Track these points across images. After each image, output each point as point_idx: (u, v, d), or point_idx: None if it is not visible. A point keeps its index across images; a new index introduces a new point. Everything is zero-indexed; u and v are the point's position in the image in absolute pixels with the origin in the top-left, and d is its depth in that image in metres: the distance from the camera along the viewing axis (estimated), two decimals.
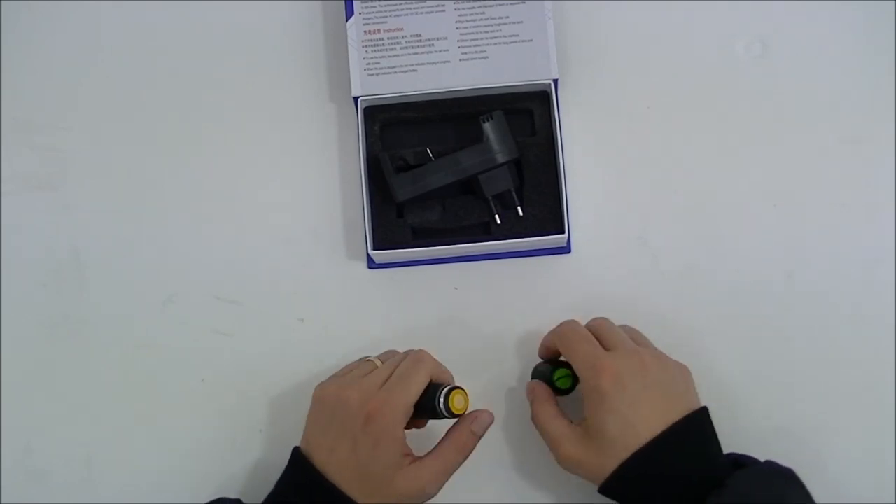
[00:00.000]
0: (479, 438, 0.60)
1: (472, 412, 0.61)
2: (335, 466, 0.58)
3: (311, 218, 0.73)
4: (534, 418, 0.63)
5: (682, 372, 0.61)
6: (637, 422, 0.57)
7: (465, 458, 0.60)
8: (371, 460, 0.57)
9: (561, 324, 0.64)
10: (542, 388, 0.64)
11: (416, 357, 0.61)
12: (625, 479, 0.56)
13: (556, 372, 0.64)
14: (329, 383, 0.62)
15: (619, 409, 0.57)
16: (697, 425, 0.58)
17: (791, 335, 0.70)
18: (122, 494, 0.69)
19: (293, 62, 0.76)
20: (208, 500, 0.64)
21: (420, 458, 0.59)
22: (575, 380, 0.64)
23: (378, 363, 0.62)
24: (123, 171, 0.74)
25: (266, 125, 0.75)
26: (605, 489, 0.57)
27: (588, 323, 0.65)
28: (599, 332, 0.63)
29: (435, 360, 0.62)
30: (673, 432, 0.57)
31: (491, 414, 0.61)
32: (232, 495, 0.67)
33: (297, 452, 0.60)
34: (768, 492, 0.56)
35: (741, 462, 0.59)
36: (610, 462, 0.57)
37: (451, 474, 0.59)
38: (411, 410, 0.59)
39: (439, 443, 0.60)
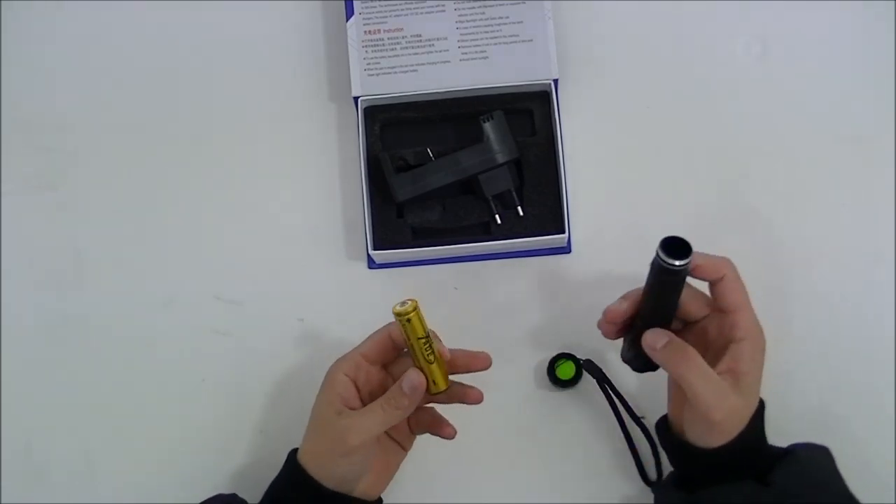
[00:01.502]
0: (408, 398, 0.58)
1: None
2: (308, 427, 0.61)
3: (311, 218, 0.73)
4: (687, 365, 0.56)
5: None
6: (760, 387, 0.59)
7: (397, 414, 0.58)
8: (315, 405, 0.60)
9: (730, 262, 0.59)
10: (678, 339, 0.57)
11: None
12: (747, 435, 0.57)
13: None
14: None
15: (761, 375, 0.58)
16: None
17: (791, 335, 0.70)
18: (122, 494, 0.69)
19: (293, 62, 0.76)
20: (207, 497, 0.64)
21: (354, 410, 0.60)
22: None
23: None
24: (123, 171, 0.74)
25: (266, 125, 0.75)
26: (730, 447, 0.57)
27: (729, 265, 0.60)
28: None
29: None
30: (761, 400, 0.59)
31: (418, 376, 0.58)
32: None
33: (290, 452, 0.61)
34: (827, 462, 0.60)
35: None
36: (748, 416, 0.58)
37: (379, 423, 0.58)
38: (359, 362, 0.60)
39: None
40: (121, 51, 0.76)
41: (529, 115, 0.73)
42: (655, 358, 0.58)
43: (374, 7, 0.73)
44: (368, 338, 0.61)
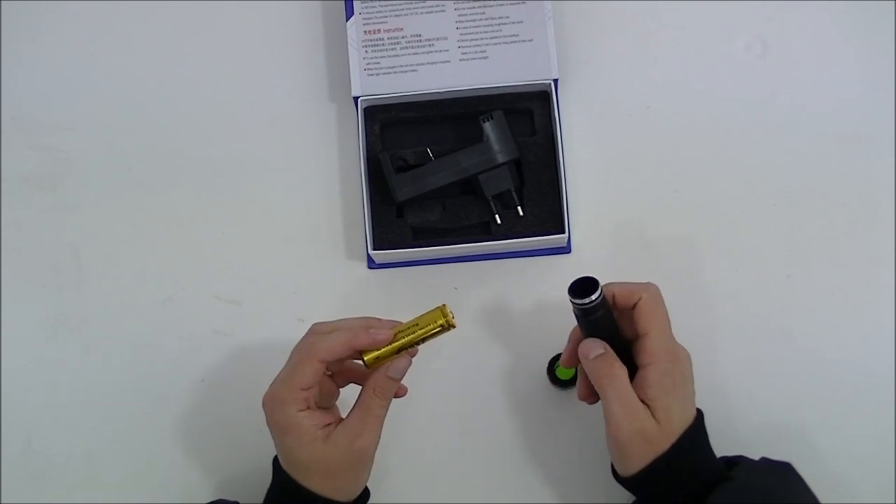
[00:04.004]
0: (398, 382, 0.58)
1: (391, 361, 0.58)
2: (289, 465, 0.58)
3: (311, 218, 0.73)
4: (609, 380, 0.58)
5: (691, 363, 0.61)
6: (686, 411, 0.58)
7: (388, 403, 0.58)
8: (292, 451, 0.57)
9: (651, 286, 0.60)
10: (611, 350, 0.59)
11: (301, 346, 0.59)
12: (663, 466, 0.57)
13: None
14: None
15: (681, 398, 0.58)
16: (703, 421, 0.60)
17: (791, 335, 0.70)
18: (121, 494, 0.69)
19: (293, 62, 0.76)
20: (208, 501, 0.64)
21: (343, 418, 0.58)
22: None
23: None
24: (123, 171, 0.74)
25: (266, 125, 0.75)
26: (644, 473, 0.57)
27: (647, 288, 0.60)
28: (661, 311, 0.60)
29: (333, 335, 0.57)
30: (696, 424, 0.58)
31: (406, 360, 0.58)
32: (231, 495, 0.67)
33: (274, 459, 0.61)
34: (773, 482, 0.58)
35: (734, 461, 0.60)
36: (666, 444, 0.57)
37: (380, 421, 0.58)
38: (304, 395, 0.57)
39: (358, 395, 0.59)
40: (120, 51, 0.76)
41: (529, 115, 0.73)
42: (585, 366, 0.59)
43: (374, 7, 0.73)
44: (297, 369, 0.57)
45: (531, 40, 0.72)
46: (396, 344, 0.58)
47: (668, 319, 0.60)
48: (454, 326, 0.58)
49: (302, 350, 0.58)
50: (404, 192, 0.69)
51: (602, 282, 0.60)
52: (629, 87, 0.74)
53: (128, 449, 0.70)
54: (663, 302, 0.60)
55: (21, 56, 0.76)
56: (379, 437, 0.58)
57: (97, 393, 0.71)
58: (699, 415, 0.59)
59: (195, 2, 0.77)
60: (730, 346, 0.70)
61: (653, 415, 0.57)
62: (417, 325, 0.58)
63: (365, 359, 0.58)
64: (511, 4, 0.73)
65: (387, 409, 0.59)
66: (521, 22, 0.72)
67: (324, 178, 0.74)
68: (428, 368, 0.70)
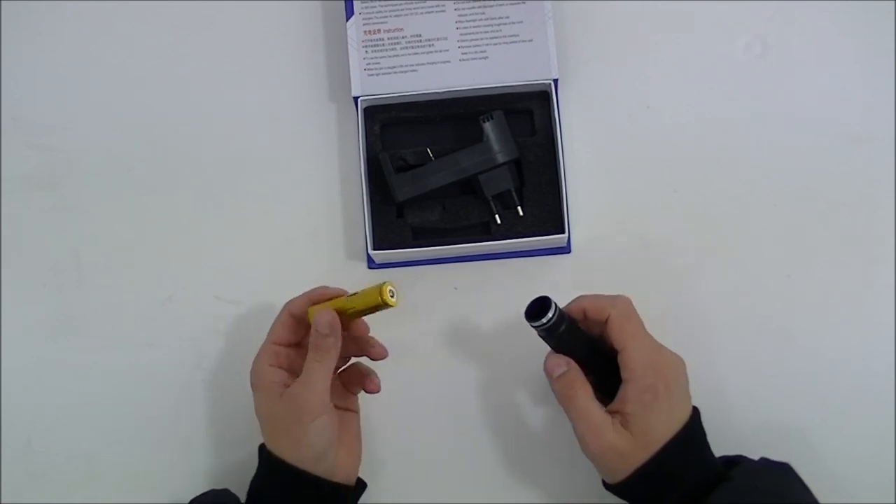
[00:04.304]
0: (331, 336, 0.59)
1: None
2: (262, 429, 0.62)
3: (312, 218, 0.73)
4: (570, 399, 0.59)
5: (683, 366, 0.61)
6: (673, 419, 0.58)
7: (328, 358, 0.59)
8: (256, 406, 0.61)
9: (619, 301, 0.60)
10: (576, 368, 0.59)
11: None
12: (650, 473, 0.57)
13: None
14: None
15: (665, 409, 0.58)
16: (699, 423, 0.60)
17: (791, 335, 0.70)
18: (121, 493, 0.69)
19: (293, 62, 0.76)
20: (201, 493, 0.64)
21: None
22: None
23: None
24: (123, 171, 0.74)
25: (266, 125, 0.75)
26: (629, 481, 0.57)
27: (615, 303, 0.61)
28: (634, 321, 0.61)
29: (300, 295, 0.63)
30: (687, 428, 0.58)
31: (327, 312, 0.59)
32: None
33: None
34: (773, 482, 0.58)
35: (734, 461, 0.60)
36: (644, 455, 0.57)
37: (317, 376, 0.59)
38: (274, 349, 0.62)
39: None
40: (121, 51, 0.76)
41: (529, 115, 0.73)
42: (550, 384, 0.60)
43: (374, 7, 0.73)
44: (272, 325, 0.63)
45: (531, 40, 0.72)
46: (334, 303, 0.61)
47: (644, 330, 0.60)
48: (391, 306, 0.58)
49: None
50: (404, 192, 0.69)
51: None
52: (629, 87, 0.74)
53: (128, 449, 0.70)
54: (635, 314, 0.60)
55: (21, 56, 0.76)
56: (319, 394, 0.58)
57: (97, 393, 0.71)
58: (693, 417, 0.59)
59: (195, 2, 0.77)
60: (729, 346, 0.70)
61: (628, 428, 0.57)
62: (357, 295, 0.60)
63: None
64: (511, 4, 0.73)
65: (324, 367, 0.59)
66: (521, 22, 0.72)
67: (324, 178, 0.74)
68: (427, 368, 0.70)
